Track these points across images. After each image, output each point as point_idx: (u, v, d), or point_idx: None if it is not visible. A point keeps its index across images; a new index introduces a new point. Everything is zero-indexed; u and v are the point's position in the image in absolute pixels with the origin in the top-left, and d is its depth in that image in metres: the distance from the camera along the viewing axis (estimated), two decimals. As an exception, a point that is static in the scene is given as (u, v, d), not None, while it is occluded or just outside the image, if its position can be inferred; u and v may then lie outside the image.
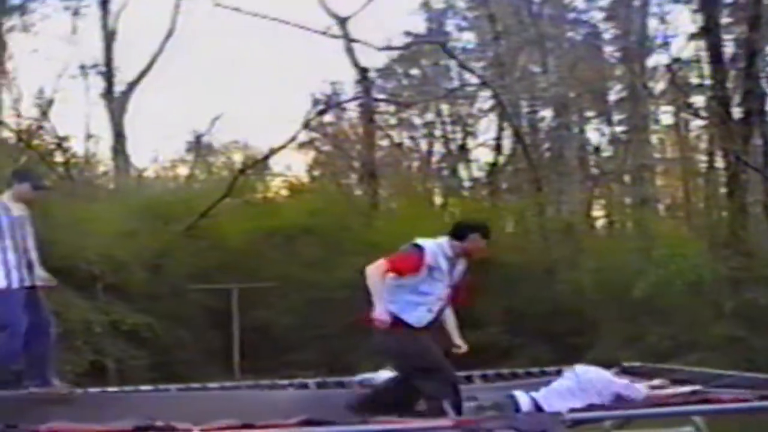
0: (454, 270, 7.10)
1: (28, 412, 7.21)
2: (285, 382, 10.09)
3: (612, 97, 30.80)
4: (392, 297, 6.95)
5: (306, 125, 27.19)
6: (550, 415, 5.87)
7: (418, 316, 6.92)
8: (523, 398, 6.99)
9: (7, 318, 7.99)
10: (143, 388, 9.62)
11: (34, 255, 8.29)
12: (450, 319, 7.45)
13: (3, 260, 8.01)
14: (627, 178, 29.08)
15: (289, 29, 26.32)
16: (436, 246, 6.98)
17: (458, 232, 7.04)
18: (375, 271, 6.92)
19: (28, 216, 8.31)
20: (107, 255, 17.43)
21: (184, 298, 18.52)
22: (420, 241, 6.94)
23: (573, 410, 5.98)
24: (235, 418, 6.20)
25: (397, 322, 6.89)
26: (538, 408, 6.84)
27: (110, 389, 10.09)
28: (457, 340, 7.41)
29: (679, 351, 14.92)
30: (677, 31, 27.77)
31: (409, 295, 6.96)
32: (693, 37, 23.78)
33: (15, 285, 7.97)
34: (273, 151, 26.20)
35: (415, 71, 32.92)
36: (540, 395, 6.91)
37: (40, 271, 8.36)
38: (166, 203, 21.65)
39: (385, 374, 8.00)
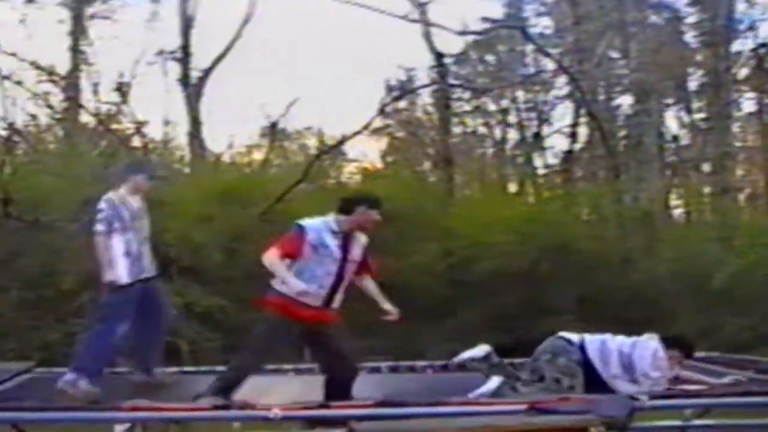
0: (348, 245, 7.36)
1: (111, 391, 7.36)
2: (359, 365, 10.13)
3: (693, 83, 30.32)
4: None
5: (381, 111, 27.18)
6: (629, 399, 5.78)
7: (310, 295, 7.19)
8: None
9: (114, 314, 8.09)
10: (219, 368, 9.72)
11: (149, 245, 8.42)
12: (371, 289, 7.89)
13: (125, 252, 8.12)
14: (706, 166, 28.60)
15: (365, 14, 26.29)
16: (320, 223, 7.18)
17: (344, 207, 7.26)
18: (270, 256, 7.22)
19: (144, 207, 8.44)
20: (184, 238, 17.60)
21: (258, 281, 18.57)
22: (303, 221, 7.13)
23: (654, 397, 5.89)
24: (310, 398, 6.25)
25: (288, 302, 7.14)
26: None
27: (188, 369, 10.24)
28: (386, 306, 7.79)
29: (759, 342, 14.64)
30: (766, 14, 27.20)
31: (300, 276, 7.13)
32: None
33: (133, 278, 8.08)
34: (348, 137, 26.22)
35: (490, 57, 32.72)
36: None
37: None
38: (242, 188, 21.72)
39: (482, 349, 8.00)
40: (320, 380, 7.49)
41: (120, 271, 8.01)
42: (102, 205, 8.09)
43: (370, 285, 7.82)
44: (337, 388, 7.21)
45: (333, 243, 7.27)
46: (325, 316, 7.44)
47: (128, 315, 8.03)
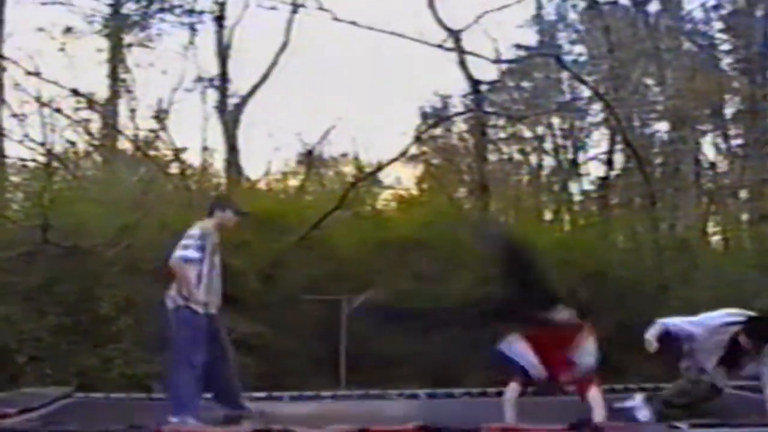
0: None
1: (149, 415, 7.43)
2: (395, 392, 10.19)
3: (729, 109, 30.19)
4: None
5: (417, 139, 27.28)
6: (669, 428, 5.79)
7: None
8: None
9: (189, 343, 8.16)
10: (257, 394, 9.79)
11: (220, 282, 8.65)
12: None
13: (207, 283, 8.27)
14: (744, 193, 28.43)
15: (400, 41, 26.36)
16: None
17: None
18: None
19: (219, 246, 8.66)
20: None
21: (295, 308, 18.67)
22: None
23: (693, 425, 5.89)
24: (348, 424, 6.28)
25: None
26: None
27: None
28: None
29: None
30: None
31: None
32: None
33: (205, 310, 8.21)
34: (384, 165, 26.30)
35: (526, 84, 32.76)
36: None
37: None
38: (278, 214, 21.79)
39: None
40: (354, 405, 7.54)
41: (196, 300, 8.16)
42: (195, 230, 8.25)
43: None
44: None
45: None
46: None
47: (201, 342, 8.16)
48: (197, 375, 8.27)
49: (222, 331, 8.65)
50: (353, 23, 24.79)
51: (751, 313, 8.38)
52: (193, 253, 8.30)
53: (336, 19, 25.05)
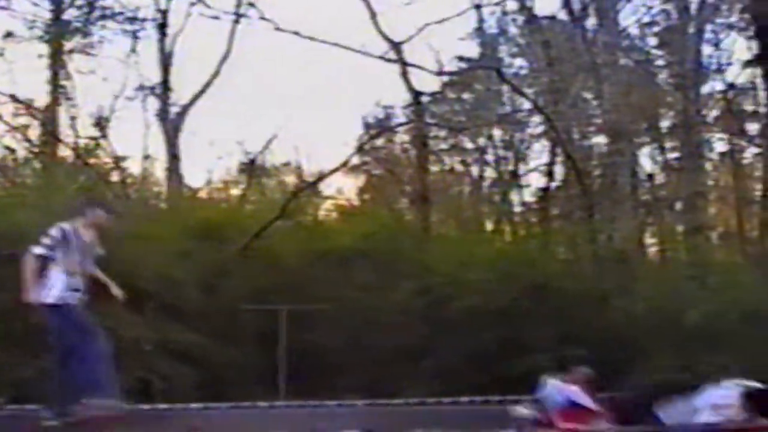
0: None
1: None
2: (333, 402, 10.22)
3: (665, 123, 30.66)
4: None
5: (359, 149, 27.35)
6: None
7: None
8: None
9: (65, 333, 8.23)
10: (193, 405, 9.77)
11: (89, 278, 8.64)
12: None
13: (64, 278, 8.33)
14: (679, 205, 28.85)
15: (342, 53, 26.43)
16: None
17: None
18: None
19: (96, 243, 8.71)
20: (161, 274, 17.58)
21: (235, 318, 18.60)
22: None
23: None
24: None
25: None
26: None
27: (161, 406, 10.26)
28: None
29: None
30: (732, 57, 27.64)
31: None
32: (748, 64, 23.58)
33: (73, 302, 8.28)
34: (326, 175, 26.37)
35: (467, 96, 32.96)
36: None
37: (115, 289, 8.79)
38: (220, 224, 21.71)
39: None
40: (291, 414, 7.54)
41: (55, 296, 8.29)
42: (54, 231, 8.42)
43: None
44: None
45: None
46: None
47: (77, 331, 8.24)
48: (90, 358, 8.33)
49: (91, 320, 8.68)
50: (296, 33, 24.77)
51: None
52: (39, 249, 8.49)
53: (278, 29, 25.01)
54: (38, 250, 8.53)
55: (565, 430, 7.56)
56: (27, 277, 8.45)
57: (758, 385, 7.77)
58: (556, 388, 7.88)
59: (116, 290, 9.00)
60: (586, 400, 7.75)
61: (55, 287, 8.48)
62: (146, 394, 15.07)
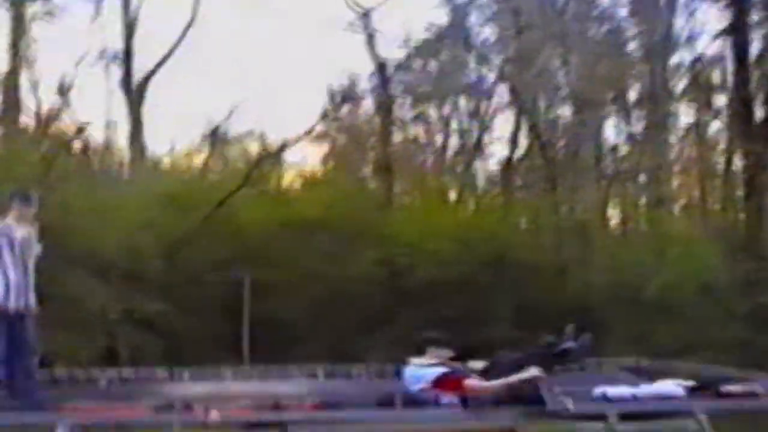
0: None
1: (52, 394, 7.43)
2: (295, 369, 10.31)
3: (632, 95, 30.76)
4: None
5: (323, 117, 27.31)
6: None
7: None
8: None
9: None
10: (159, 372, 9.82)
11: (32, 279, 8.44)
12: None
13: (8, 281, 8.18)
14: (643, 177, 29.03)
15: (307, 20, 26.39)
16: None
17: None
18: None
19: (34, 236, 8.47)
20: (125, 243, 17.59)
21: (198, 287, 18.67)
22: None
23: (578, 402, 6.11)
24: (247, 402, 6.40)
25: None
26: None
27: (127, 372, 10.30)
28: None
29: (689, 351, 15.00)
30: (703, 28, 27.68)
31: None
32: (719, 34, 23.54)
33: (9, 308, 8.13)
34: (289, 143, 26.29)
35: (432, 64, 32.88)
36: None
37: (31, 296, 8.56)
38: (183, 193, 21.72)
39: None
40: (259, 383, 7.63)
41: None
42: None
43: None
44: None
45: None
46: None
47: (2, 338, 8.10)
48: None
49: (29, 330, 8.49)
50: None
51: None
52: None
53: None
54: None
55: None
56: None
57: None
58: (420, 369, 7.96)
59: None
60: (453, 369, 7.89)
61: None
62: (113, 362, 15.17)
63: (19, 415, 6.45)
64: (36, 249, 8.46)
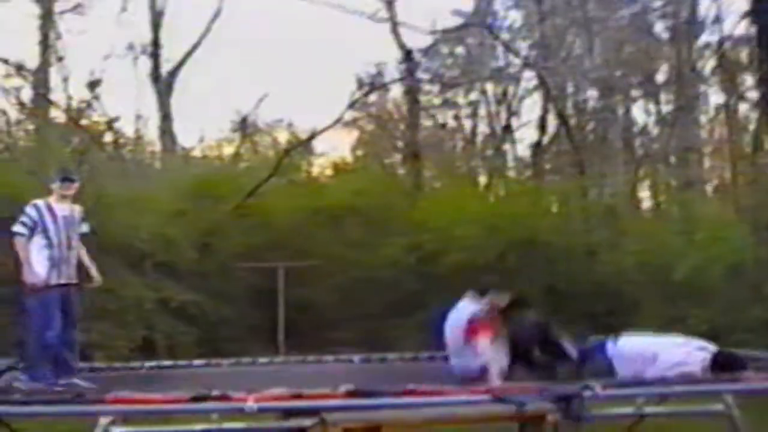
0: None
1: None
2: (331, 357, 10.52)
3: (660, 76, 30.68)
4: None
5: (351, 105, 27.41)
6: (584, 388, 6.15)
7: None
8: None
9: (38, 317, 8.41)
10: (197, 362, 10.04)
11: (75, 254, 8.73)
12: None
13: (47, 257, 8.46)
14: (673, 159, 28.99)
15: (334, 9, 26.52)
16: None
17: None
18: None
19: (77, 213, 8.75)
20: (158, 234, 17.81)
21: (232, 276, 18.88)
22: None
23: (607, 386, 6.25)
24: (285, 388, 6.58)
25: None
26: None
27: (165, 363, 10.54)
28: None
29: (718, 333, 15.04)
30: (730, 8, 27.54)
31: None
32: (744, 15, 23.37)
33: (52, 282, 8.42)
34: (318, 132, 26.42)
35: (459, 50, 32.94)
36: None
37: (93, 270, 8.87)
38: (214, 183, 21.92)
39: None
40: (291, 370, 7.81)
41: (36, 276, 8.37)
42: (27, 209, 8.49)
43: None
44: None
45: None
46: None
47: (52, 316, 8.37)
48: (48, 345, 8.47)
49: (72, 304, 8.76)
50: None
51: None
52: (20, 228, 8.53)
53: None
54: (20, 229, 8.54)
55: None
56: (21, 261, 8.50)
57: (721, 349, 7.80)
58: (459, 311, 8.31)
59: (95, 274, 9.04)
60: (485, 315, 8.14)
61: (36, 267, 8.53)
62: (149, 351, 15.45)
63: (64, 405, 6.65)
64: (82, 227, 8.79)
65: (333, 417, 6.30)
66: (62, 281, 8.60)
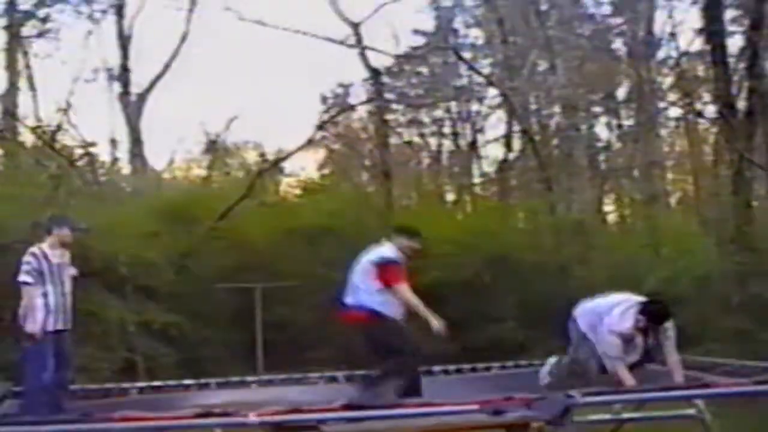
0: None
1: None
2: (316, 375, 10.84)
3: (621, 92, 31.22)
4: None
5: (321, 127, 27.75)
6: (565, 398, 6.48)
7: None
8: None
9: (35, 362, 8.64)
10: (186, 382, 10.31)
11: (69, 299, 8.97)
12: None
13: (44, 305, 8.70)
14: (636, 173, 29.45)
15: (299, 29, 26.87)
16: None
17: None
18: (405, 289, 8.75)
19: (68, 260, 8.99)
20: (136, 257, 17.95)
21: (210, 297, 19.03)
22: (391, 253, 8.17)
23: (586, 394, 6.58)
24: (277, 406, 6.87)
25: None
26: None
27: (156, 383, 10.79)
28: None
29: (687, 343, 15.44)
30: (684, 26, 28.11)
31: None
32: (699, 32, 23.91)
33: (49, 329, 8.67)
34: (290, 153, 26.72)
35: (423, 69, 33.33)
36: None
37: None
38: (187, 205, 22.04)
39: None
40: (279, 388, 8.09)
41: (36, 323, 8.62)
42: (28, 257, 8.70)
43: None
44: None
45: None
46: None
47: (47, 361, 8.62)
48: (45, 388, 8.67)
49: (66, 345, 8.98)
50: (259, 23, 25.25)
51: (641, 298, 9.34)
52: (27, 278, 8.71)
53: (242, 18, 25.46)
54: (28, 278, 8.74)
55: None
56: (30, 306, 8.72)
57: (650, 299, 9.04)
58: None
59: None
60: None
61: (35, 314, 8.74)
62: (131, 373, 15.61)
63: (72, 424, 6.89)
64: (71, 271, 8.99)
65: (331, 429, 6.60)
66: (59, 327, 8.83)
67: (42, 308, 8.74)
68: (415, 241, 8.96)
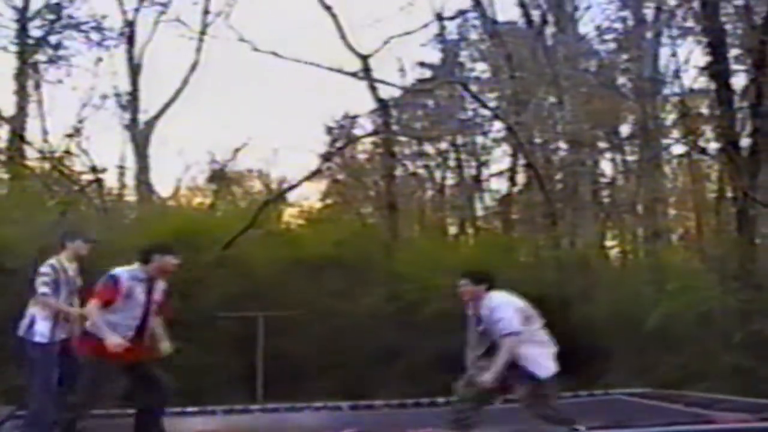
0: (152, 289, 8.79)
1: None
2: (320, 404, 10.87)
3: (625, 128, 31.26)
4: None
5: (328, 159, 27.87)
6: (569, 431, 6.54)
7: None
8: None
9: (42, 372, 8.74)
10: (190, 409, 10.33)
11: (75, 309, 9.10)
12: (158, 330, 9.26)
13: (54, 314, 8.82)
14: (640, 208, 29.46)
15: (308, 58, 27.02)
16: (128, 273, 8.24)
17: (144, 257, 8.35)
18: (91, 309, 8.42)
19: (77, 270, 9.16)
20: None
21: (212, 325, 19.05)
22: (115, 271, 8.17)
23: (591, 428, 6.66)
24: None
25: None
26: None
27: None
28: (164, 344, 9.34)
29: (689, 380, 15.48)
30: (689, 65, 28.20)
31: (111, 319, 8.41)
32: (703, 69, 24.05)
33: (56, 338, 8.79)
34: (297, 183, 26.85)
35: (429, 101, 33.43)
36: None
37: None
38: (191, 232, 22.05)
39: None
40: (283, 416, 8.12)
41: (44, 332, 8.73)
42: (47, 269, 8.86)
43: (157, 324, 9.17)
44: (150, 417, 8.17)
45: (142, 289, 8.52)
46: (136, 352, 8.58)
47: (54, 369, 8.73)
48: (52, 397, 8.78)
49: (72, 358, 9.09)
50: (273, 53, 25.41)
51: None
52: (45, 289, 8.92)
53: (256, 49, 25.62)
54: (46, 290, 8.91)
55: None
56: (49, 316, 8.85)
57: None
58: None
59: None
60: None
61: (44, 324, 8.87)
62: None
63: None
64: (77, 282, 9.17)
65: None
66: (64, 336, 8.94)
67: (51, 318, 8.90)
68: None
